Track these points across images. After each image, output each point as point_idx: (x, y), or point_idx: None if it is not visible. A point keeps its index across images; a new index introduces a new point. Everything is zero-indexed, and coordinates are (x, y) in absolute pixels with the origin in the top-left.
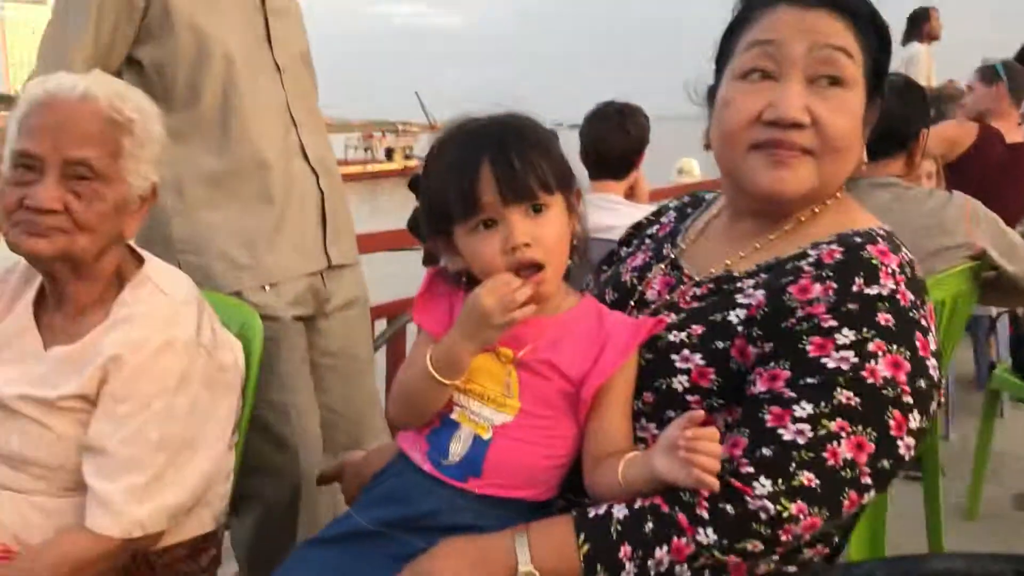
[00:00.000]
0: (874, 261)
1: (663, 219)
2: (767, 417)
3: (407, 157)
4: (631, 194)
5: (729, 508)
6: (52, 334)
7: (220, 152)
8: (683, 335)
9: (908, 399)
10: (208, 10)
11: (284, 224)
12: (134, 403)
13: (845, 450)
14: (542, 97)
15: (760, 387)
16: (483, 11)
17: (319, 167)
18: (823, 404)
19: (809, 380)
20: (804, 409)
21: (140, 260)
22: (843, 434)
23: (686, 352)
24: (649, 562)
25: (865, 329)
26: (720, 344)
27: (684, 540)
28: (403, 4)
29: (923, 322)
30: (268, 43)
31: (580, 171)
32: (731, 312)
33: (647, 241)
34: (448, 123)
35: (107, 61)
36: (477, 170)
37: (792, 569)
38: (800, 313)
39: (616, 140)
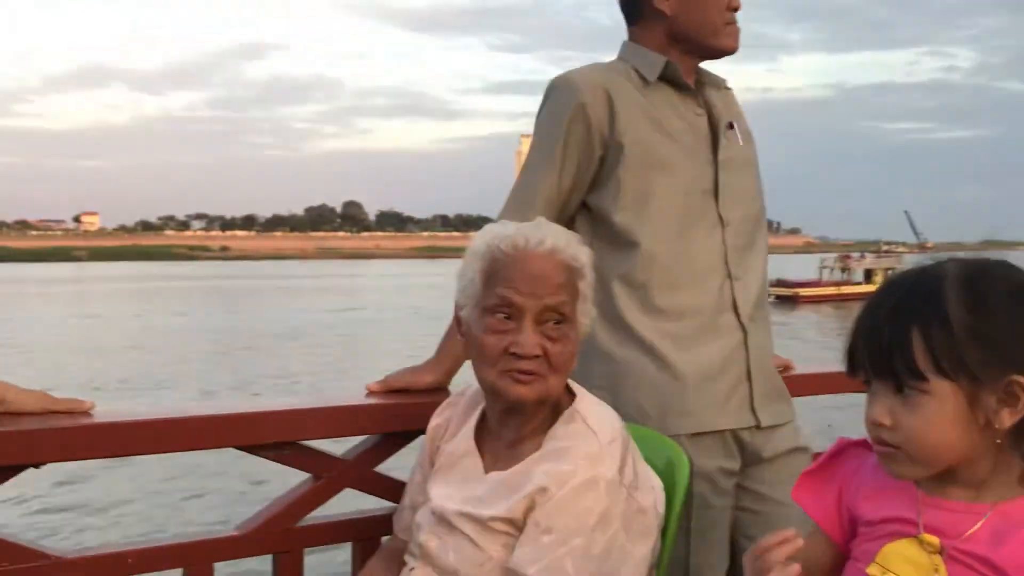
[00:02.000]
0: None
1: None
2: None
3: None
4: None
5: None
6: (492, 459)
7: (653, 295)
8: None
9: None
10: (660, 162)
11: (704, 378)
12: (556, 535)
13: None
14: None
15: None
16: (1004, 124)
17: (749, 325)
18: None
19: None
20: None
21: (572, 394)
22: None
23: None
24: None
25: None
26: None
27: None
28: (901, 121)
29: None
30: (715, 196)
31: None
32: None
33: None
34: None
35: (566, 206)
36: (856, 329)
37: None
38: None
39: None
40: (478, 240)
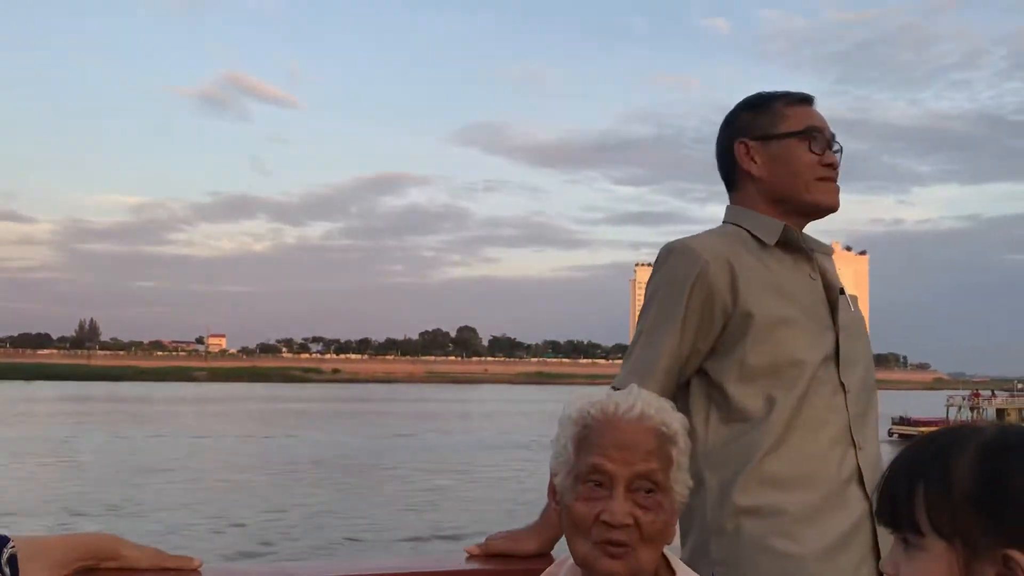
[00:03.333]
0: None
1: None
2: None
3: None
4: None
5: None
6: None
7: (775, 466)
8: None
9: None
10: (786, 330)
11: (829, 552)
12: None
13: None
14: None
15: None
16: None
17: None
18: None
19: None
20: None
21: (671, 571)
22: None
23: None
24: None
25: None
26: None
27: None
28: None
29: None
30: (836, 362)
31: None
32: None
33: None
34: None
35: (683, 371)
36: (881, 477)
37: None
38: None
39: None
40: (571, 407)
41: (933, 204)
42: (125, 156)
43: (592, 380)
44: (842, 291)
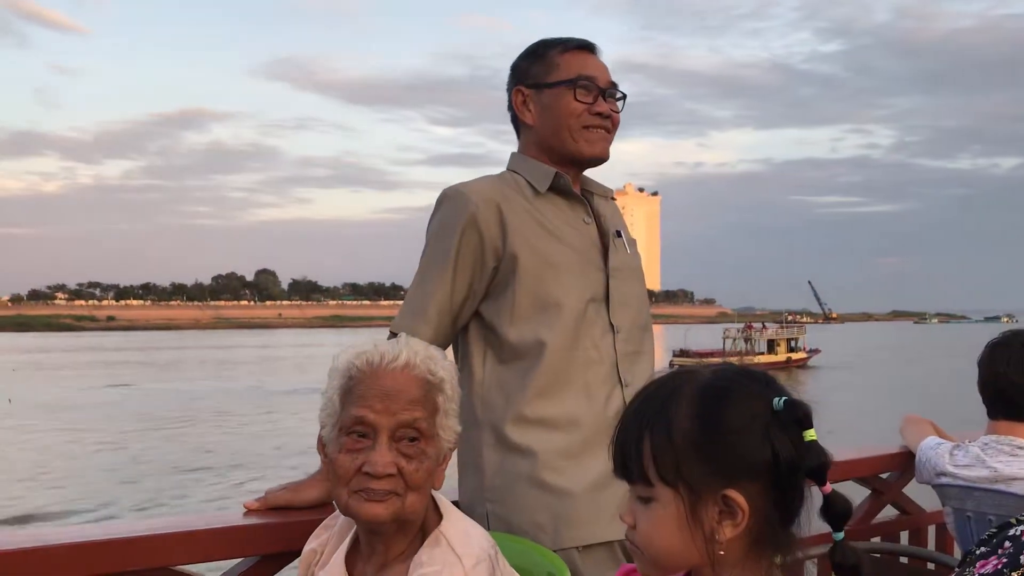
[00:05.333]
0: None
1: None
2: None
3: (791, 349)
4: None
5: None
6: None
7: (544, 405)
8: None
9: None
10: (552, 272)
11: (594, 489)
12: None
13: None
14: (988, 285)
15: None
16: (924, 199)
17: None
18: None
19: None
20: None
21: (440, 515)
22: None
23: None
24: None
25: None
26: None
27: None
28: (829, 195)
29: None
30: (606, 303)
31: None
32: None
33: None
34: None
35: (459, 315)
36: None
37: None
38: None
39: (1020, 377)
40: (340, 358)
41: (730, 148)
42: None
43: (390, 322)
44: (619, 234)
